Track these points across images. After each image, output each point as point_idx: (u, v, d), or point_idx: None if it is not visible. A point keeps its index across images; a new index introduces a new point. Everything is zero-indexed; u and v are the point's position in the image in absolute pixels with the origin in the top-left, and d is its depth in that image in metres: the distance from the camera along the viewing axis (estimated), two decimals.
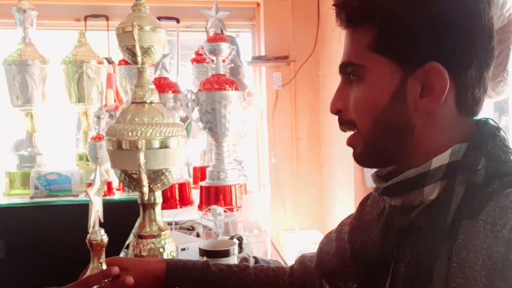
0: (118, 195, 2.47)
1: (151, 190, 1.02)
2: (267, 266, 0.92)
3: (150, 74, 2.13)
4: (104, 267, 0.79)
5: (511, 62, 1.72)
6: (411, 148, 0.64)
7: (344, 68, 0.67)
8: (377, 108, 0.64)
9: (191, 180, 2.32)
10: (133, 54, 1.00)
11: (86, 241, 0.78)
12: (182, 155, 1.04)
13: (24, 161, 2.53)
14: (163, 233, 1.04)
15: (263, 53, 3.29)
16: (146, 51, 1.01)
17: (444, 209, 0.59)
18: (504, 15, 1.68)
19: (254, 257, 1.20)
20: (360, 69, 0.64)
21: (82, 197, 2.40)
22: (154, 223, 1.04)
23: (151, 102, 1.02)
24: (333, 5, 0.67)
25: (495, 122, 0.65)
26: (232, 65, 2.25)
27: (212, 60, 2.02)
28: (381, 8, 0.62)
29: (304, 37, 3.22)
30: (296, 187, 3.26)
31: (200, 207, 2.00)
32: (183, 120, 2.10)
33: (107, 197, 2.41)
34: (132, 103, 1.02)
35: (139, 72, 1.03)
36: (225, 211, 1.85)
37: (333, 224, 3.32)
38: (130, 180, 0.99)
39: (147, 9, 1.03)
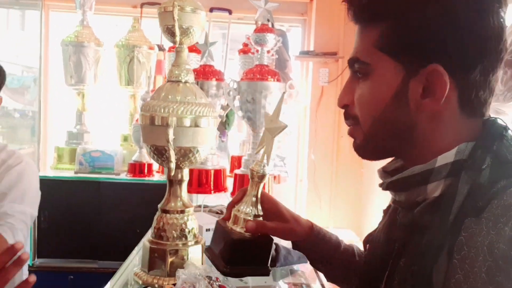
0: (157, 177, 2.55)
1: (178, 167, 1.05)
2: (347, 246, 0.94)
3: (196, 61, 2.19)
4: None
5: None
6: (415, 146, 0.65)
7: (352, 64, 0.69)
8: (378, 106, 0.65)
9: (228, 168, 2.35)
10: (172, 34, 1.03)
11: (249, 169, 0.82)
12: (211, 135, 1.06)
13: (72, 138, 2.67)
14: (186, 209, 1.06)
15: (312, 49, 3.27)
16: (185, 32, 1.04)
17: (447, 207, 0.59)
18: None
19: (275, 243, 1.21)
20: (365, 66, 0.66)
21: (123, 176, 2.50)
22: (179, 199, 1.06)
23: (185, 82, 1.05)
24: (342, 1, 0.68)
25: (503, 122, 0.64)
26: (277, 56, 2.25)
27: (257, 51, 2.03)
28: (388, 8, 0.63)
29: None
30: (334, 185, 3.22)
31: (233, 194, 2.03)
32: (224, 108, 2.13)
33: (147, 179, 2.49)
34: (168, 81, 1.05)
35: (177, 52, 1.06)
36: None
37: (368, 225, 3.29)
38: (159, 155, 1.02)
39: None
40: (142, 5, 3.32)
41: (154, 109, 1.00)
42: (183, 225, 1.05)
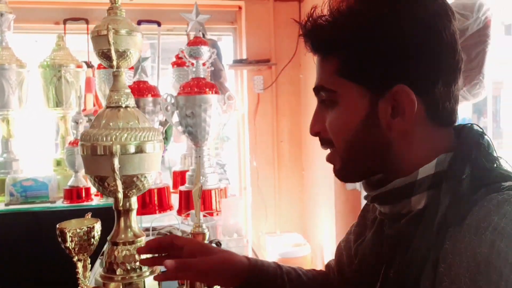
0: (96, 201, 2.43)
1: (126, 196, 1.00)
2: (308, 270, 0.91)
3: (129, 78, 2.13)
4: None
5: (487, 65, 1.75)
6: (394, 161, 0.66)
7: (317, 92, 0.70)
8: (349, 130, 0.66)
9: (171, 184, 2.30)
10: (108, 58, 0.99)
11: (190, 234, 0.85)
12: (158, 160, 1.03)
13: (1, 168, 2.48)
14: (138, 239, 1.02)
15: (244, 57, 3.29)
16: (121, 55, 1.00)
17: (431, 218, 0.60)
18: (480, 19, 1.71)
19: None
20: (331, 93, 0.67)
21: (59, 203, 2.36)
22: (129, 230, 1.02)
23: (126, 107, 1.01)
24: (299, 35, 0.70)
25: (480, 128, 0.67)
26: (213, 68, 2.24)
27: (192, 64, 2.01)
28: (343, 38, 0.64)
29: (286, 40, 3.23)
30: (278, 190, 3.26)
31: (179, 212, 1.98)
32: (163, 124, 2.09)
33: (85, 203, 2.38)
34: (107, 107, 1.01)
35: (114, 76, 1.01)
36: (204, 216, 1.84)
37: (313, 227, 3.36)
38: (105, 186, 0.97)
39: (123, 13, 1.01)
40: (65, 21, 3.18)
41: (95, 138, 0.95)
42: (136, 256, 1.00)
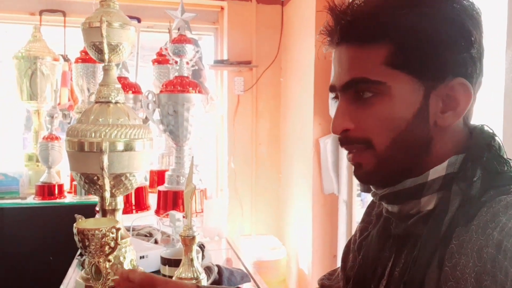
0: (69, 198, 2.36)
1: (112, 195, 0.97)
2: None
3: (100, 73, 2.07)
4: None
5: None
6: (424, 159, 0.64)
7: (353, 86, 0.64)
8: (399, 126, 0.62)
9: (147, 184, 2.25)
10: (100, 51, 0.95)
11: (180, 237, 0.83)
12: (147, 158, 0.99)
13: None
14: (123, 240, 0.99)
15: (225, 57, 3.26)
16: (114, 49, 0.96)
17: (439, 219, 0.60)
18: None
19: (217, 266, 1.17)
20: (379, 85, 0.62)
21: (30, 200, 2.28)
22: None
23: (116, 102, 0.97)
24: (335, 23, 0.65)
25: (490, 129, 0.66)
26: (196, 67, 2.21)
27: (176, 62, 1.97)
28: (398, 25, 0.61)
29: (267, 43, 3.22)
30: (254, 192, 3.24)
31: (157, 212, 1.94)
32: (143, 121, 2.04)
33: (58, 201, 2.30)
34: (96, 102, 0.97)
35: (105, 70, 0.98)
36: (184, 217, 1.81)
37: (290, 231, 3.34)
38: (91, 184, 0.94)
39: (116, 5, 0.98)
40: (41, 12, 3.07)
41: (83, 134, 0.91)
42: (121, 258, 0.97)
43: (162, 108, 1.90)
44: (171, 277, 0.95)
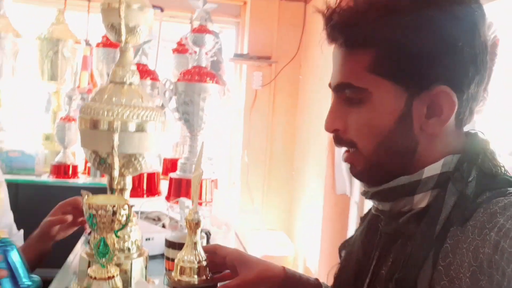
0: (83, 179, 2.39)
1: (121, 175, 0.98)
2: None
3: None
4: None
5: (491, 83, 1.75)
6: (412, 162, 0.64)
7: (341, 89, 0.65)
8: (382, 132, 0.63)
9: (160, 170, 2.27)
10: (117, 32, 0.96)
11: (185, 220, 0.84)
12: (158, 141, 1.00)
13: None
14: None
15: (245, 52, 3.26)
16: (131, 30, 0.97)
17: (434, 218, 0.60)
18: (490, 37, 1.71)
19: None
20: (361, 91, 0.63)
21: (45, 178, 2.32)
22: None
23: (130, 84, 0.98)
24: (327, 26, 0.65)
25: (483, 135, 0.66)
26: (215, 58, 2.21)
27: (195, 52, 1.98)
28: (382, 32, 0.61)
29: (288, 39, 3.21)
30: (266, 187, 3.24)
31: (167, 198, 1.95)
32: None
33: (71, 180, 2.33)
34: (111, 82, 0.98)
35: (122, 52, 0.98)
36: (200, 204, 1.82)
37: (299, 227, 3.33)
38: (101, 162, 0.94)
39: None
40: None
41: (96, 112, 0.92)
42: (126, 237, 0.98)
43: (179, 96, 1.91)
44: (173, 260, 0.95)
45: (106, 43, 2.42)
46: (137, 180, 1.99)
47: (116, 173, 0.93)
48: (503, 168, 0.63)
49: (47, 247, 1.20)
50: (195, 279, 0.81)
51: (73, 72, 2.51)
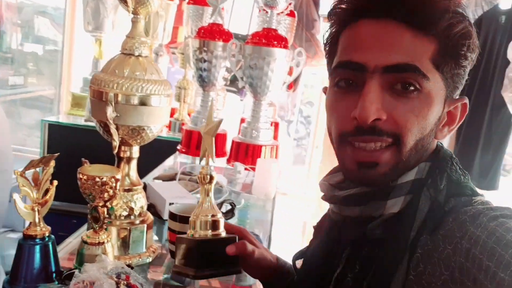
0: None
1: (128, 145, 1.01)
2: None
3: (207, 16, 2.10)
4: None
5: None
6: None
7: (401, 70, 0.57)
8: (426, 129, 0.60)
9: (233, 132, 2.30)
10: (125, 2, 0.96)
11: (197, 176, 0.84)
12: (162, 114, 1.00)
13: (87, 85, 2.68)
14: (134, 188, 1.03)
15: None
16: (139, 1, 0.96)
17: (407, 223, 0.58)
18: None
19: None
20: (426, 81, 0.58)
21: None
22: (127, 177, 1.03)
23: (138, 55, 0.98)
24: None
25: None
26: (287, 11, 2.11)
27: (266, 12, 1.92)
28: (443, 22, 0.57)
29: None
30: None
31: (228, 161, 1.99)
32: (229, 70, 2.06)
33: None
34: (121, 53, 0.99)
35: (132, 23, 0.99)
36: (246, 169, 1.83)
37: None
38: (105, 131, 0.98)
39: None
40: None
41: (99, 83, 0.95)
42: (131, 203, 1.02)
43: (245, 59, 1.89)
44: (180, 232, 0.97)
45: (196, 0, 2.47)
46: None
47: (115, 143, 0.96)
48: (467, 177, 0.62)
49: None
50: (209, 233, 0.80)
51: (164, 28, 2.61)
